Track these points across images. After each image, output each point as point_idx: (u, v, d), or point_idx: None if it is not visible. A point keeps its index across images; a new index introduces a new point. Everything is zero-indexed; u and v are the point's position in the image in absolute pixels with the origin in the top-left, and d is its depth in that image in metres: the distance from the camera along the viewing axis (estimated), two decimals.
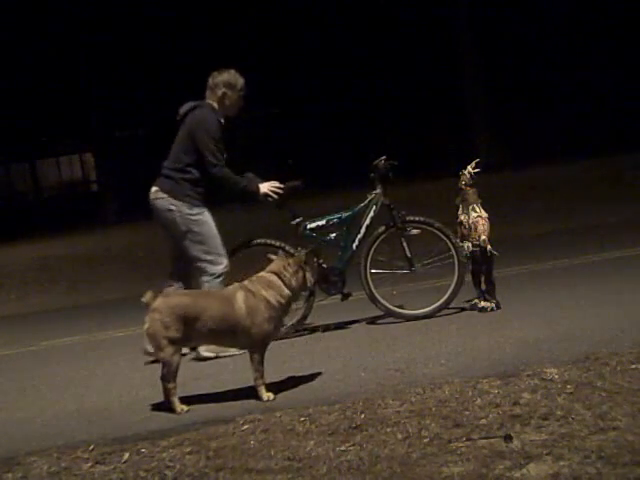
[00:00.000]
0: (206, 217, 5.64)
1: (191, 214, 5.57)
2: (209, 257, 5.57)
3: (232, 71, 5.79)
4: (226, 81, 5.71)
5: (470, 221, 5.86)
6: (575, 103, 22.02)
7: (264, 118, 25.15)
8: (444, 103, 22.24)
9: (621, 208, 10.76)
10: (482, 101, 21.05)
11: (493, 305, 5.92)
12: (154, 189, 5.67)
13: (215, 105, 5.71)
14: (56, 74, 22.26)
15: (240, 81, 5.77)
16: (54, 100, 22.91)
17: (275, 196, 5.72)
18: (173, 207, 5.57)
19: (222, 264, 5.58)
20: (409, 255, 5.96)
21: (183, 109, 5.74)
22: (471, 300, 6.05)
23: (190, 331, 4.39)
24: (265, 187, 5.71)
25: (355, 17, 23.02)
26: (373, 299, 5.95)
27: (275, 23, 23.56)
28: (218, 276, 5.54)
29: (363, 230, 5.97)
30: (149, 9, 22.58)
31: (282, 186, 5.75)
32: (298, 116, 24.93)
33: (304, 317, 5.98)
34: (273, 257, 4.73)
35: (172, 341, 4.34)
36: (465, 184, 5.92)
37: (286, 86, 24.35)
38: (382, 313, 6.02)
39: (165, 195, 5.60)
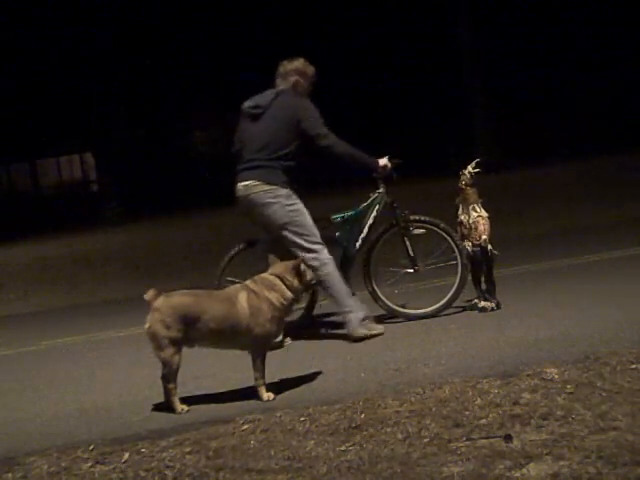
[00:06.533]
0: (302, 207, 5.54)
1: (290, 204, 5.46)
2: (313, 247, 5.47)
3: (302, 59, 5.76)
4: (298, 69, 5.70)
5: (470, 221, 5.86)
6: (575, 103, 22.03)
7: None
8: (444, 103, 22.23)
9: (621, 208, 10.76)
10: (482, 101, 21.05)
11: (493, 305, 5.92)
12: (244, 183, 5.44)
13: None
14: (56, 74, 22.26)
15: (311, 69, 5.77)
16: (54, 100, 22.92)
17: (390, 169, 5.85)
18: (272, 200, 5.40)
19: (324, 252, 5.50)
20: (412, 254, 5.96)
21: (264, 100, 5.58)
22: (471, 300, 6.05)
23: (191, 331, 4.39)
24: (384, 161, 5.80)
25: (356, 14, 23.01)
26: (375, 297, 5.94)
27: (275, 22, 23.55)
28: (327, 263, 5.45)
29: (366, 230, 5.95)
30: (149, 8, 22.59)
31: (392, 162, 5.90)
32: None
33: (308, 315, 5.99)
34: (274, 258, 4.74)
35: (173, 341, 4.34)
36: (465, 184, 5.91)
37: None
38: (382, 312, 6.01)
39: (263, 186, 5.38)
